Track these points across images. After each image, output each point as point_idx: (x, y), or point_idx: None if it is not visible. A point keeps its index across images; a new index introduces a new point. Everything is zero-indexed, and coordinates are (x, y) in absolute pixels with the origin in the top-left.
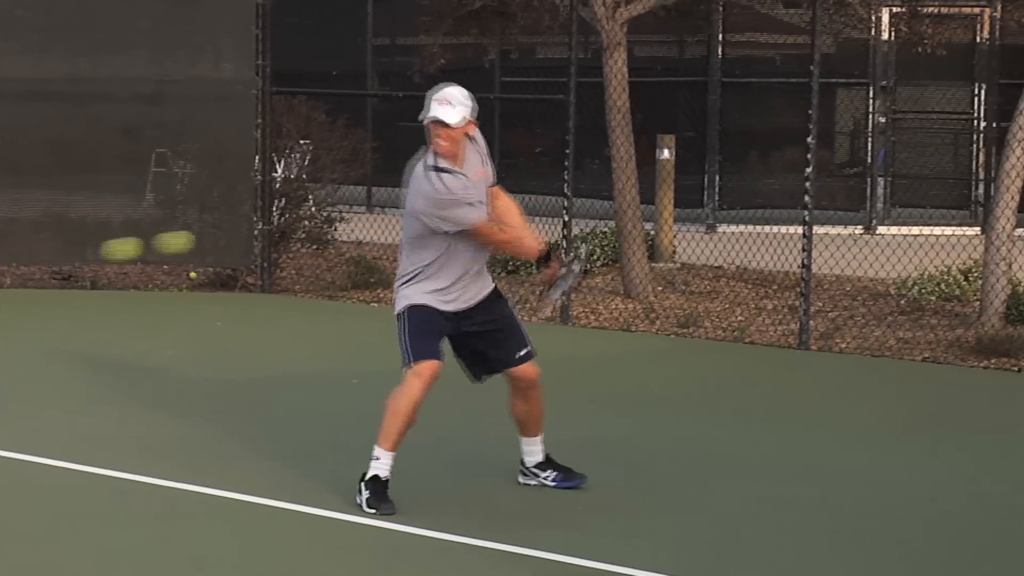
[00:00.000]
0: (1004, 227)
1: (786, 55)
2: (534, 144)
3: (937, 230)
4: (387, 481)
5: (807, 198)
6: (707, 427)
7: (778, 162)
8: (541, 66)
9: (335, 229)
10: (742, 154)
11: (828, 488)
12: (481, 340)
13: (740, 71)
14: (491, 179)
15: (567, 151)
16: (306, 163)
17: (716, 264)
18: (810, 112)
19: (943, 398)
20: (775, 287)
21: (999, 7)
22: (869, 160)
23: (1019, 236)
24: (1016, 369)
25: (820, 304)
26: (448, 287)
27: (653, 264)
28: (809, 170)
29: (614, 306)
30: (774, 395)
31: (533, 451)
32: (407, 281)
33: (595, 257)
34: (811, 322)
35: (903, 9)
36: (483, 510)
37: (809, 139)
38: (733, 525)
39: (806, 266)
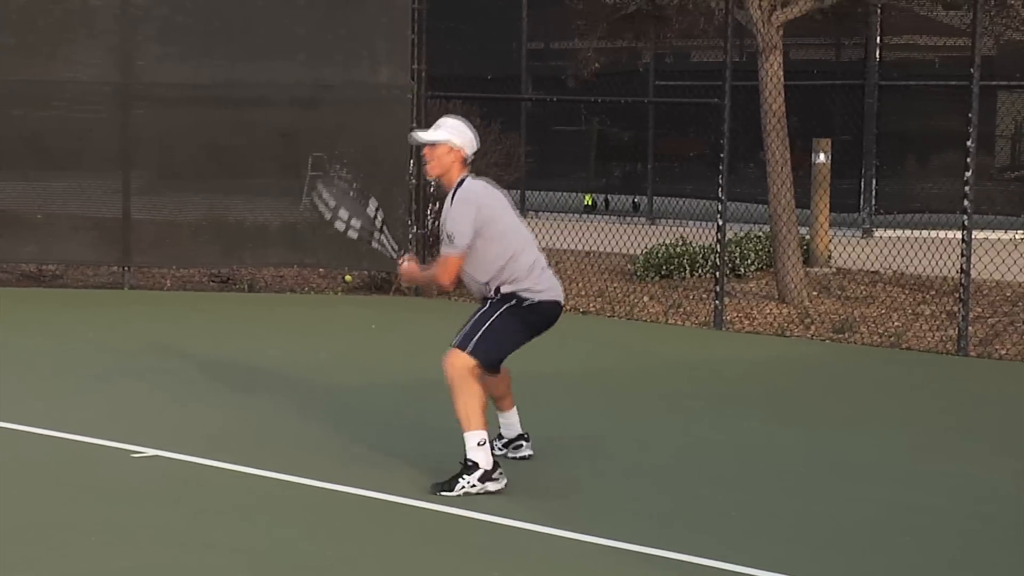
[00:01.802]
0: None
1: (945, 57)
2: (688, 148)
3: None
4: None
5: (966, 202)
6: (859, 434)
7: (936, 166)
8: (696, 70)
9: None
10: (899, 158)
11: (980, 499)
12: None
13: (898, 74)
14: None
15: (721, 155)
16: None
17: (872, 269)
18: (970, 115)
19: None
20: (933, 292)
21: None
22: None
23: None
24: None
25: (979, 310)
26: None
27: (808, 269)
28: (969, 174)
29: (768, 311)
30: (931, 402)
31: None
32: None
33: (750, 261)
34: (970, 328)
35: None
36: (631, 511)
37: (969, 143)
38: (870, 532)
39: (965, 271)
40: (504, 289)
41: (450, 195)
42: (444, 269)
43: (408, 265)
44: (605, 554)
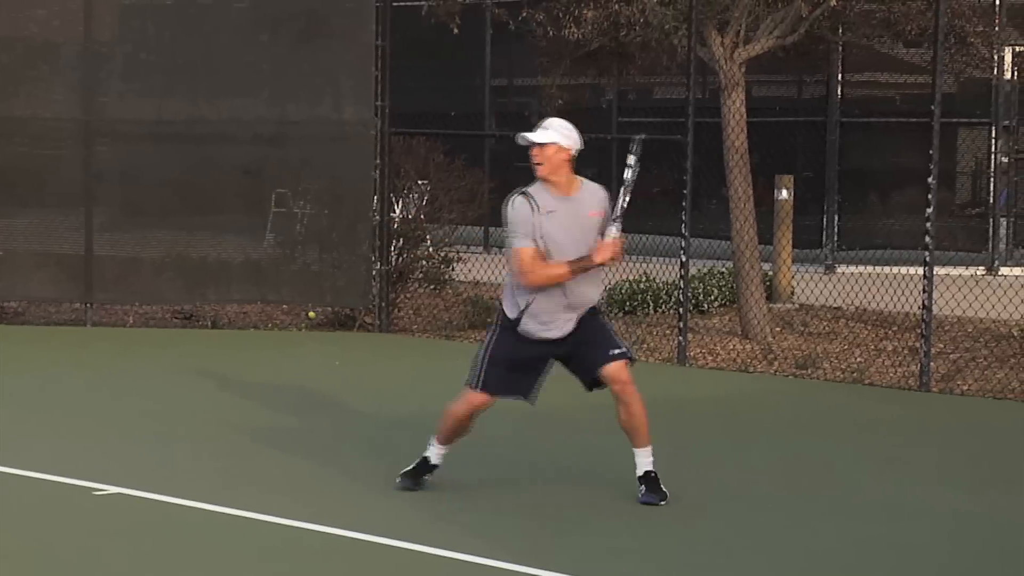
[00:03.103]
0: None
1: (906, 95)
2: (651, 184)
3: None
4: (433, 466)
5: (928, 239)
6: (825, 468)
7: (898, 202)
8: (659, 106)
9: (452, 269)
10: (861, 194)
11: (941, 533)
12: (577, 351)
13: (859, 111)
14: (605, 229)
15: (684, 191)
16: (424, 203)
17: (835, 305)
18: (931, 152)
19: None
20: (895, 328)
21: None
22: (991, 200)
23: None
24: None
25: (941, 346)
26: (548, 321)
27: (771, 305)
28: (930, 210)
29: (732, 347)
30: (894, 437)
31: (638, 463)
32: (519, 311)
33: (713, 297)
34: (932, 364)
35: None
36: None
37: (930, 179)
38: (829, 566)
39: (927, 307)
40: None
41: (593, 191)
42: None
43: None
44: None
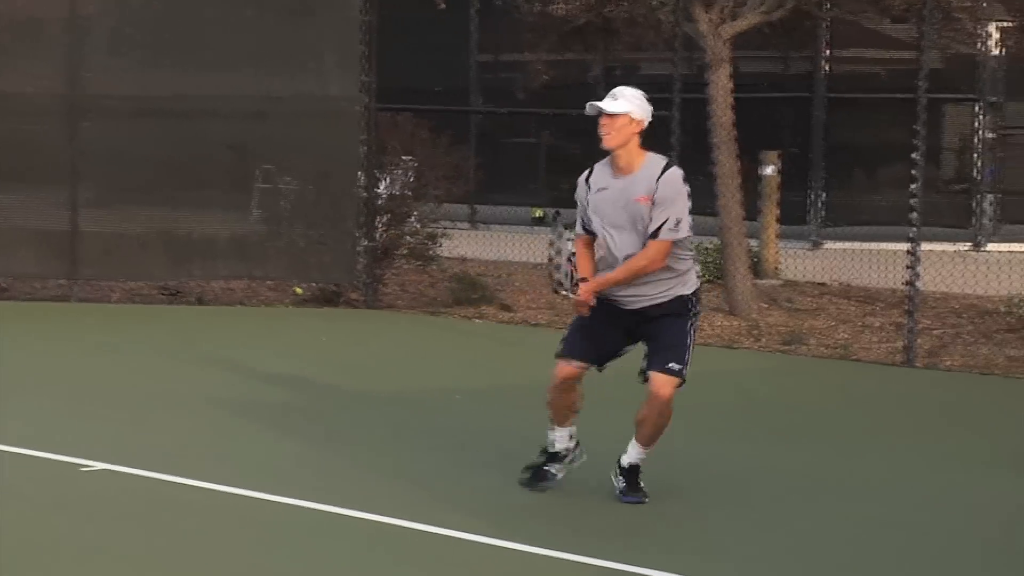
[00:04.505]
0: None
1: (892, 70)
2: None
3: None
4: (554, 453)
5: (913, 215)
6: (808, 445)
7: (884, 178)
8: (645, 82)
9: (439, 245)
10: (847, 170)
11: (924, 510)
12: (648, 338)
13: (846, 87)
14: (648, 220)
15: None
16: (410, 180)
17: (820, 281)
18: (917, 128)
19: None
20: (880, 304)
21: None
22: (977, 176)
23: None
24: None
25: (926, 322)
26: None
27: (757, 281)
28: (915, 186)
29: (718, 323)
30: (879, 413)
31: (628, 452)
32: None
33: (704, 273)
34: (917, 340)
35: (1012, 23)
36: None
37: (915, 155)
38: (821, 545)
39: (912, 283)
40: (685, 291)
41: (649, 174)
42: (661, 256)
43: (586, 289)
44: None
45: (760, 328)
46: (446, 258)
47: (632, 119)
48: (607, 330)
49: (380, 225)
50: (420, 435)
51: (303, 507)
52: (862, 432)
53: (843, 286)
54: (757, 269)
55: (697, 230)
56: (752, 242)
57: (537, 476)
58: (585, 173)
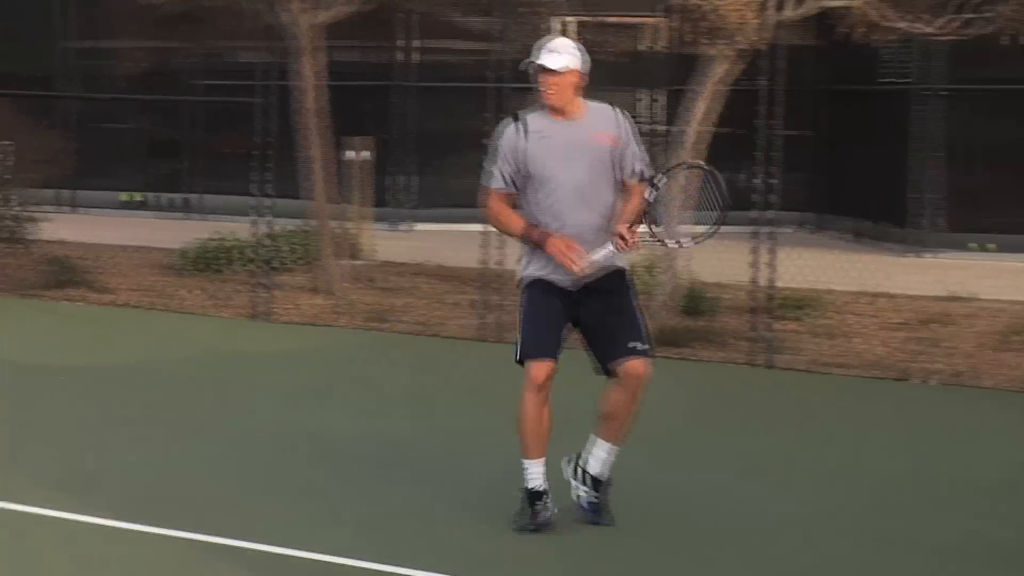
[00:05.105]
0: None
1: (475, 61)
2: (233, 145)
3: None
4: (538, 492)
5: None
6: (407, 417)
7: (468, 163)
8: (238, 70)
9: (34, 229)
10: (434, 155)
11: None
12: (597, 326)
13: (431, 76)
14: (620, 159)
15: (262, 152)
16: (9, 163)
17: (408, 261)
18: (487, 115)
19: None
20: (465, 282)
21: (672, 17)
22: None
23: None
24: (694, 359)
25: (499, 298)
26: (551, 262)
27: (347, 261)
28: None
29: (310, 302)
30: (463, 384)
31: (594, 454)
32: (526, 259)
33: (294, 254)
34: (492, 315)
35: (586, 18)
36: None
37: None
38: (342, 502)
39: (493, 262)
40: (622, 264)
41: (602, 115)
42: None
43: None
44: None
45: (350, 306)
46: (47, 242)
47: (575, 72)
48: (558, 316)
49: None
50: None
51: None
52: (450, 403)
53: (431, 265)
54: (349, 250)
55: (290, 212)
56: (346, 224)
57: (532, 519)
58: (512, 124)
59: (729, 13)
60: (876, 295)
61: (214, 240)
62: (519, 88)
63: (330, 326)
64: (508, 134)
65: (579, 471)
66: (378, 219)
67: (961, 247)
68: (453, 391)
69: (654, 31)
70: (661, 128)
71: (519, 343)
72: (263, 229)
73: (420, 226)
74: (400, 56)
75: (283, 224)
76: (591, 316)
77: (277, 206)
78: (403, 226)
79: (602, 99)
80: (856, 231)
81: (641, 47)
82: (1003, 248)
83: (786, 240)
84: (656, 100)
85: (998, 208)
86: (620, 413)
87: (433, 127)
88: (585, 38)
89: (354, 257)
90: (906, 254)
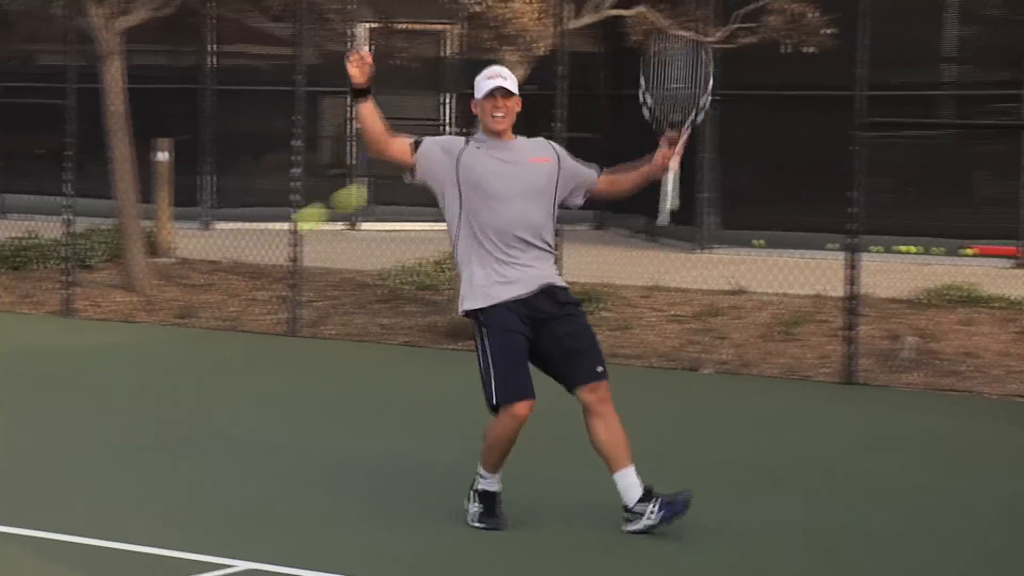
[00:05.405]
0: None
1: (275, 65)
2: (37, 146)
3: (414, 226)
4: (496, 493)
5: (295, 196)
6: (218, 410)
7: (269, 163)
8: (42, 72)
9: None
10: (235, 156)
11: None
12: (557, 352)
13: (232, 79)
14: (581, 173)
15: (68, 153)
16: None
17: (213, 259)
18: (296, 118)
19: (420, 378)
20: (267, 279)
21: (463, 25)
22: (352, 162)
23: None
24: None
25: (309, 295)
26: (498, 262)
27: (153, 260)
28: (296, 171)
29: (116, 299)
30: (268, 377)
31: (629, 487)
32: (464, 278)
33: (99, 252)
34: (300, 311)
35: (379, 25)
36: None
37: (295, 142)
38: (226, 496)
39: (295, 259)
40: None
41: (533, 142)
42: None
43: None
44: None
45: (156, 303)
46: None
47: (517, 97)
48: (523, 350)
49: None
50: None
51: None
52: (251, 396)
53: (233, 263)
54: (153, 248)
55: (96, 212)
56: (147, 223)
57: (494, 513)
58: (464, 139)
59: (525, 23)
60: (652, 288)
61: (23, 239)
62: (319, 92)
63: (138, 322)
64: (457, 139)
65: (631, 512)
66: (181, 218)
67: (745, 243)
68: (260, 385)
69: (448, 37)
70: (454, 130)
71: (493, 389)
72: (73, 228)
73: (220, 225)
74: (198, 60)
75: (95, 223)
76: (551, 342)
77: (78, 205)
78: (201, 225)
79: (396, 103)
80: (648, 230)
81: (433, 54)
82: (771, 244)
83: (577, 237)
84: (446, 104)
85: (768, 207)
86: (616, 439)
87: (231, 129)
88: (378, 43)
89: (154, 255)
90: (694, 251)
